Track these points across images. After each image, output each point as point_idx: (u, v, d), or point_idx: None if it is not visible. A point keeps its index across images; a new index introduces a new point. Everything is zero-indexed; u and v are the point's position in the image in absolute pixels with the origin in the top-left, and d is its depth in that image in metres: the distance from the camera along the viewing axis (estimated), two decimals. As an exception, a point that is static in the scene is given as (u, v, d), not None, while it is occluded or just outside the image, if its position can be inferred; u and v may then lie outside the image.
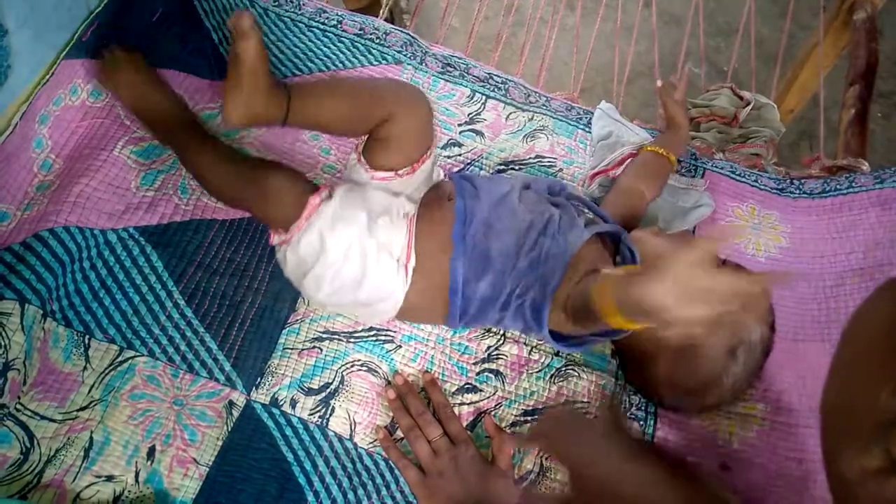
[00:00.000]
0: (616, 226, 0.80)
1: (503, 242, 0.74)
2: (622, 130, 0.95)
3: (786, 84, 1.44)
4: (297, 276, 0.75)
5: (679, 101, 0.91)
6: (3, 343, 0.72)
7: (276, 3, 0.99)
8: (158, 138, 0.84)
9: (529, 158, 0.94)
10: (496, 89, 0.98)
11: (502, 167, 0.93)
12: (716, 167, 0.98)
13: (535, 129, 0.96)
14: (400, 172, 0.75)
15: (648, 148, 0.89)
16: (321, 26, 0.98)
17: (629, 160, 0.90)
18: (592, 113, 0.99)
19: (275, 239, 0.76)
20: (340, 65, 0.96)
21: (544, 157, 0.94)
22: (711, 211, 0.93)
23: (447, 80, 0.97)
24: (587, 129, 0.97)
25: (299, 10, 0.99)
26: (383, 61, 0.97)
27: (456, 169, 0.92)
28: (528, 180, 0.81)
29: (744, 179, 0.98)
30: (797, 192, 0.98)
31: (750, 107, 1.05)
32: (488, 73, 0.99)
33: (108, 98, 0.85)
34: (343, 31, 0.98)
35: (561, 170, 0.93)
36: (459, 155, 0.93)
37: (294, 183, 0.75)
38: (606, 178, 0.91)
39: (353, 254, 0.72)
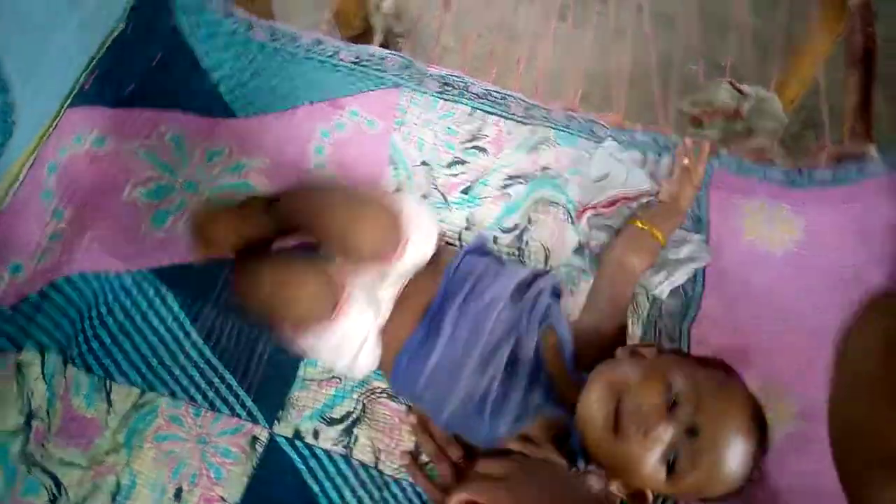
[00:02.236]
0: (560, 412, 0.73)
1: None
2: (620, 173, 0.91)
3: (785, 74, 1.43)
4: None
5: (695, 185, 0.87)
6: (25, 393, 0.72)
7: (273, 38, 1.00)
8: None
9: (535, 171, 0.94)
10: (496, 105, 0.98)
11: (508, 181, 0.93)
12: (722, 163, 0.98)
13: (537, 142, 0.96)
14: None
15: (633, 221, 0.84)
16: (318, 56, 0.99)
17: (621, 202, 0.89)
18: (593, 122, 0.99)
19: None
20: (339, 93, 0.96)
21: (550, 169, 0.94)
22: (706, 263, 0.89)
23: (446, 100, 0.98)
24: (589, 138, 0.97)
25: (296, 43, 1.00)
26: (381, 86, 0.97)
27: (461, 188, 0.93)
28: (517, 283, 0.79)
29: (751, 174, 0.97)
30: (806, 182, 0.97)
31: (751, 100, 1.04)
32: (486, 90, 0.99)
33: (112, 144, 0.87)
34: (340, 60, 0.99)
35: (567, 180, 0.93)
36: (464, 173, 0.94)
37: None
38: (597, 216, 0.89)
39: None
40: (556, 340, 0.75)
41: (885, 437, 0.31)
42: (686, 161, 0.87)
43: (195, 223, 0.79)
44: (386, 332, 0.77)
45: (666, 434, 0.64)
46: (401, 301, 0.78)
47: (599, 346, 0.74)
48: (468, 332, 0.75)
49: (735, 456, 0.64)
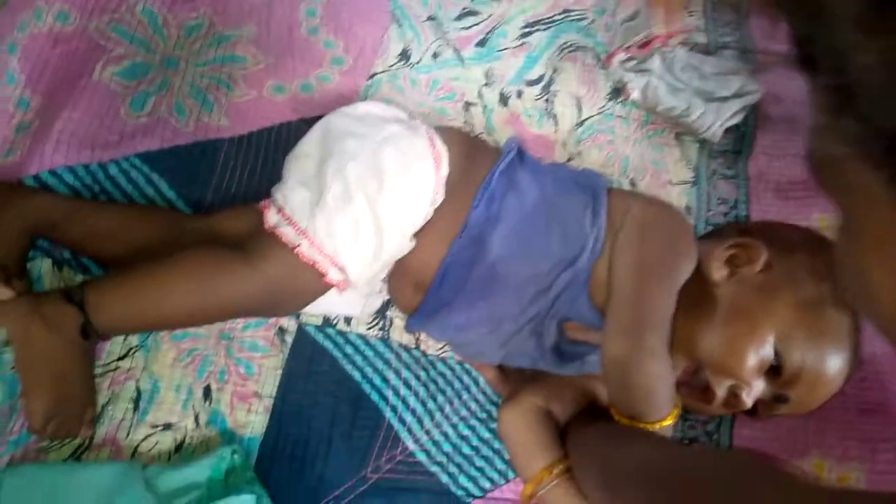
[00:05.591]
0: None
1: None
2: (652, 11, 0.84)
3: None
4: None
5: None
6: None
7: None
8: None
9: (556, 15, 0.84)
10: (504, -53, 0.88)
11: (527, 29, 0.83)
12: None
13: (556, -18, 0.86)
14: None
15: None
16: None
17: (657, 41, 0.81)
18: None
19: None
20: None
21: (572, 11, 0.85)
22: (759, 98, 0.80)
23: (448, -55, 0.87)
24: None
25: None
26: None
27: (476, 41, 0.83)
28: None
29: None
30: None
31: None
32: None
33: (77, 20, 0.75)
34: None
35: (593, 21, 0.84)
36: (477, 24, 0.84)
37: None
38: (630, 59, 0.81)
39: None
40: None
41: None
42: None
43: None
44: (391, 290, 0.71)
45: (749, 401, 0.59)
46: (397, 272, 0.68)
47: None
48: (476, 331, 0.66)
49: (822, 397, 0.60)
